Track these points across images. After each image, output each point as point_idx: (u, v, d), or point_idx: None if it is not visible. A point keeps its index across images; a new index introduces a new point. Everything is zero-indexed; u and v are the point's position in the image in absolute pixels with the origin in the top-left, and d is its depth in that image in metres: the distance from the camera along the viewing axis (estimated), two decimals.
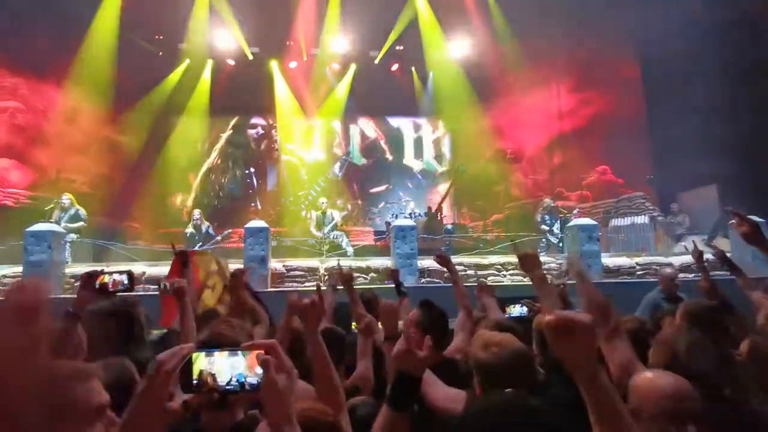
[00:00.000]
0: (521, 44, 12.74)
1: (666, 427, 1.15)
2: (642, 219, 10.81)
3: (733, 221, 2.03)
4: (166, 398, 0.78)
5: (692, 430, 1.14)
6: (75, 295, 1.85)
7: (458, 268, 3.47)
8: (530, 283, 1.96)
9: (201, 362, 0.82)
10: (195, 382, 0.81)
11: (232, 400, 0.85)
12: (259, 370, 0.83)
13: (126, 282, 1.95)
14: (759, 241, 2.01)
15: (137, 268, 6.88)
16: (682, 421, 1.15)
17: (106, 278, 1.91)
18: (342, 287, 2.55)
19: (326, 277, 7.14)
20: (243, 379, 0.83)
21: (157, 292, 4.39)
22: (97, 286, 1.84)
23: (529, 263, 1.93)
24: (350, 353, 2.20)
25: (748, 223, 2.01)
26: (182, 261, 2.59)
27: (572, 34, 11.58)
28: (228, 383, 0.83)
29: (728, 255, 3.21)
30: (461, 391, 1.73)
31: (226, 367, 0.83)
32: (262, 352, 0.84)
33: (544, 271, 2.01)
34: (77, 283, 6.89)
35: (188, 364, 0.81)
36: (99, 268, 1.98)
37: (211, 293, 3.14)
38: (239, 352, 0.85)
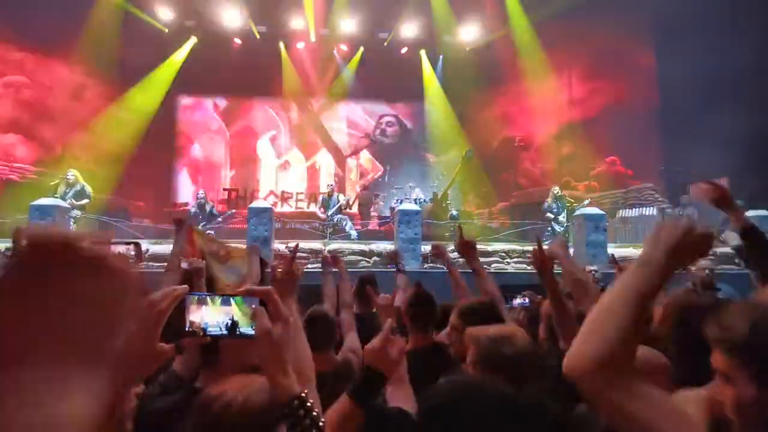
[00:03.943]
0: (534, 30, 12.46)
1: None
2: (650, 210, 10.66)
3: (702, 186, 2.00)
4: (157, 339, 0.75)
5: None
6: None
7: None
8: (533, 270, 1.90)
9: (193, 308, 0.80)
10: (187, 328, 0.79)
11: (224, 345, 0.86)
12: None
13: (132, 254, 1.89)
14: (728, 205, 2.01)
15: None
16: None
17: (112, 249, 1.85)
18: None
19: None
20: (236, 328, 0.82)
21: (160, 270, 4.36)
22: None
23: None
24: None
25: (718, 188, 2.02)
26: (177, 226, 2.51)
27: (586, 22, 11.29)
28: (220, 329, 0.81)
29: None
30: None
31: (220, 314, 0.81)
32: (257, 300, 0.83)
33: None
34: None
35: (181, 308, 0.79)
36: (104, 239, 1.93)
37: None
38: (233, 298, 0.83)
